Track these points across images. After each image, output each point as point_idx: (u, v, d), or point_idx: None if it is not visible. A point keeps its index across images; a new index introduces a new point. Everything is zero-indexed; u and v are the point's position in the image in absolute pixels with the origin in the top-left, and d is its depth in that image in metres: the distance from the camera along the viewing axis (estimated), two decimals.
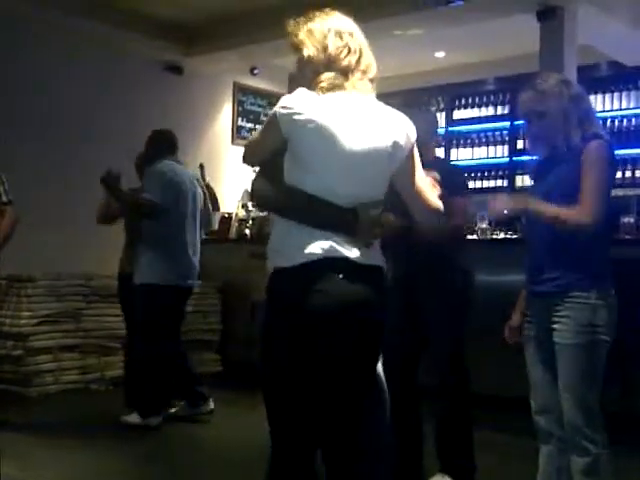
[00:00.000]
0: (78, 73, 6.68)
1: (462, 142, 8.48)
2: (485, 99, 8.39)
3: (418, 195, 2.27)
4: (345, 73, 2.20)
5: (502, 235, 6.57)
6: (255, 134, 2.39)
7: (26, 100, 6.36)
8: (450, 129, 8.55)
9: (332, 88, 2.18)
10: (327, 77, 2.19)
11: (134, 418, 4.94)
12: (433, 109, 8.33)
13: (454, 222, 3.53)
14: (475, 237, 6.50)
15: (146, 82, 7.29)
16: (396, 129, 2.21)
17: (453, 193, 3.26)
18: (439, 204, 2.31)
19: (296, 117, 2.13)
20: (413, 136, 2.25)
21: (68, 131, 6.58)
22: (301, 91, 2.18)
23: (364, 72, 2.23)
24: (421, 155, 2.32)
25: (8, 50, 6.28)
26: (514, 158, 8.08)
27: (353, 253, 2.13)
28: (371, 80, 2.25)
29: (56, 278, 6.15)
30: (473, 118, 8.44)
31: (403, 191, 2.30)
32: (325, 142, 2.12)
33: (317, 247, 2.11)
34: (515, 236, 6.27)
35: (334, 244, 2.12)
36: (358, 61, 2.22)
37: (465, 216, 3.84)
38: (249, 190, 2.69)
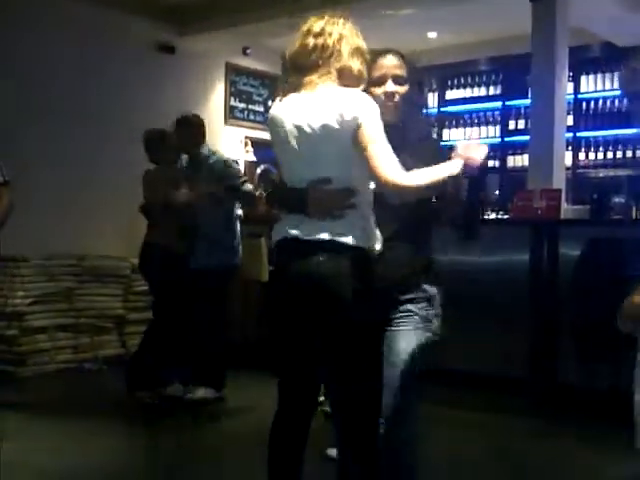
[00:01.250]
0: (70, 53, 6.63)
1: (454, 122, 8.49)
2: (477, 79, 8.39)
3: (372, 168, 2.29)
4: (306, 70, 2.39)
5: (493, 215, 6.63)
6: None
7: (18, 81, 6.32)
8: (442, 109, 8.56)
9: (289, 91, 2.41)
10: (289, 80, 2.43)
11: (207, 392, 5.05)
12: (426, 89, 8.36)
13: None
14: None
15: (138, 61, 7.25)
16: (329, 112, 2.30)
17: None
18: (392, 175, 2.26)
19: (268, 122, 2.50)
20: (355, 114, 2.29)
21: (61, 112, 6.55)
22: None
23: (328, 69, 2.38)
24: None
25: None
26: (506, 138, 8.11)
27: (304, 232, 2.34)
28: (340, 70, 2.39)
29: (48, 258, 6.16)
30: (465, 98, 8.44)
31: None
32: (278, 138, 2.42)
33: (281, 231, 2.41)
34: (506, 217, 6.31)
35: (292, 226, 2.37)
36: (320, 56, 2.38)
37: None
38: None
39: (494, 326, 5.22)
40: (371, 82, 2.54)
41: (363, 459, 2.34)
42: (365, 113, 2.29)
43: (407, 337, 2.47)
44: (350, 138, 2.28)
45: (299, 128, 2.35)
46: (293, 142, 2.36)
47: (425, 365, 2.49)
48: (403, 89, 2.57)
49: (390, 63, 2.58)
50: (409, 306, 2.51)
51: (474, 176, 2.41)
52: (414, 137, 2.61)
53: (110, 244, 6.65)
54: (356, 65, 2.41)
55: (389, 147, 2.29)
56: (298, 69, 2.41)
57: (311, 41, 2.40)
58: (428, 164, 2.50)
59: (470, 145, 2.36)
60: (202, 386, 5.10)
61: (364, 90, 2.48)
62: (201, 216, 5.06)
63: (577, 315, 5.04)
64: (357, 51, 2.42)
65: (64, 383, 5.74)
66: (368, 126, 2.28)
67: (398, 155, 2.54)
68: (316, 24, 2.43)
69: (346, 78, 2.40)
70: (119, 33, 6.99)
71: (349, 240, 2.29)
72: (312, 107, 2.35)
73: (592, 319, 4.90)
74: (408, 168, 2.50)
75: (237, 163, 5.36)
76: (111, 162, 6.77)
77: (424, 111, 2.84)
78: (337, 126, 2.29)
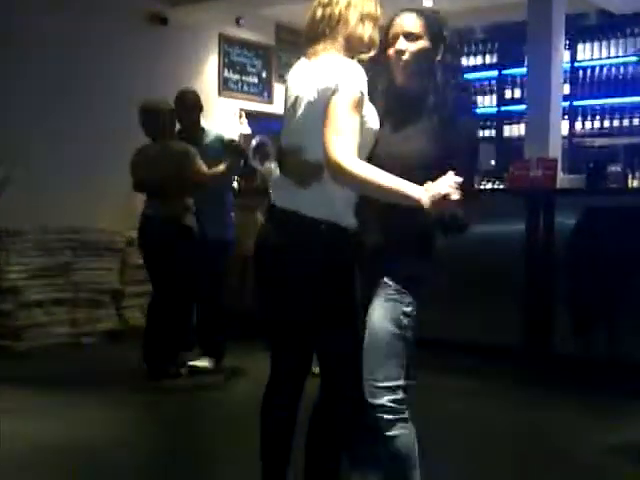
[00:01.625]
0: (61, 23, 6.56)
1: None
2: (473, 48, 8.32)
3: (323, 144, 2.22)
4: (316, 40, 2.39)
5: (490, 185, 6.61)
6: None
7: (12, 53, 6.25)
8: None
9: (301, 56, 2.44)
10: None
11: (205, 362, 5.16)
12: None
13: None
14: None
15: (131, 33, 7.17)
16: (313, 82, 2.31)
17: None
18: (337, 154, 2.17)
19: None
20: (330, 86, 2.25)
21: (55, 84, 6.49)
22: None
23: (335, 38, 2.37)
24: None
25: None
26: (502, 108, 8.06)
27: (278, 199, 2.42)
28: (347, 38, 2.37)
29: (44, 232, 6.14)
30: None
31: None
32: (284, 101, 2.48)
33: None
34: (502, 186, 6.30)
35: (273, 194, 2.47)
36: (328, 25, 2.37)
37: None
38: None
39: (490, 295, 5.23)
40: (387, 44, 2.43)
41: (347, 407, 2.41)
42: (339, 86, 2.23)
43: (378, 309, 2.37)
44: (323, 110, 2.25)
45: (291, 94, 2.39)
46: (287, 106, 2.42)
47: (412, 336, 2.42)
48: (416, 46, 2.39)
49: (403, 21, 2.44)
50: (385, 278, 2.39)
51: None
52: (436, 105, 2.39)
53: (106, 217, 6.62)
54: (366, 32, 2.38)
55: (351, 126, 2.20)
56: (309, 40, 2.41)
57: (319, 11, 2.39)
58: (441, 144, 2.33)
59: (446, 189, 2.07)
60: (204, 355, 5.18)
61: (379, 54, 2.42)
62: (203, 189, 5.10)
63: (573, 283, 5.04)
64: (368, 17, 2.38)
65: (61, 357, 5.74)
66: (336, 100, 2.22)
67: (401, 124, 2.42)
68: None
69: (356, 45, 2.38)
70: (111, 3, 6.90)
71: (309, 212, 2.31)
72: (305, 75, 2.36)
73: (587, 287, 4.91)
74: (411, 141, 2.37)
75: (234, 141, 5.36)
76: (105, 135, 6.71)
77: (459, 76, 2.53)
78: (316, 96, 2.29)
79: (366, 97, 2.28)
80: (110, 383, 4.93)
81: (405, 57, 2.39)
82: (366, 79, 2.28)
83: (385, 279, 2.40)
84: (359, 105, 2.24)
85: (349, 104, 2.22)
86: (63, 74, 6.56)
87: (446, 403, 4.41)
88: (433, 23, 2.44)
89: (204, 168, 4.94)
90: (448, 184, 2.08)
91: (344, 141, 2.18)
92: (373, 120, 2.34)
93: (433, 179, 2.13)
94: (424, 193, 2.10)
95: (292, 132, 2.40)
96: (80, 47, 6.69)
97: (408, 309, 2.38)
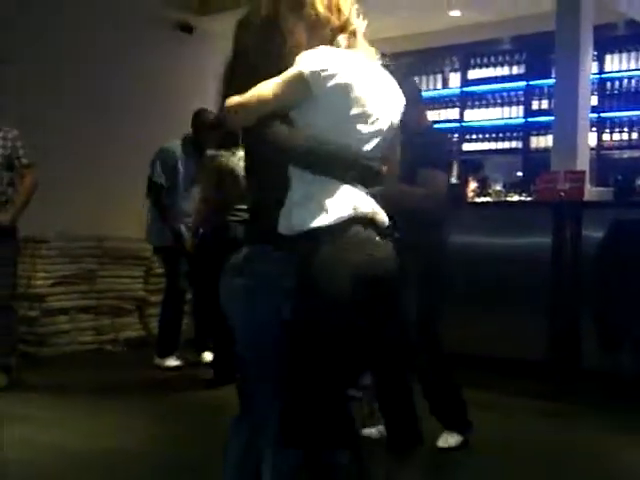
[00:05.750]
0: (86, 33, 6.60)
1: (477, 102, 8.39)
2: (500, 59, 8.27)
3: None
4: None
5: (516, 197, 6.56)
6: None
7: (33, 64, 6.29)
8: (464, 89, 8.46)
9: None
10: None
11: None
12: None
13: (425, 191, 3.52)
14: (489, 199, 6.48)
15: (156, 42, 7.20)
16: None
17: (434, 165, 3.51)
18: None
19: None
20: None
21: (82, 94, 6.53)
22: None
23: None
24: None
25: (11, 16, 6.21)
26: (529, 119, 8.00)
27: None
28: None
29: (70, 239, 6.17)
30: (488, 78, 8.33)
31: None
32: None
33: None
34: (529, 198, 6.25)
35: None
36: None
37: (438, 188, 3.68)
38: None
39: (516, 308, 5.17)
40: None
41: None
42: None
43: None
44: None
45: None
46: None
47: None
48: None
49: None
50: None
51: None
52: None
53: (131, 226, 6.64)
54: None
55: None
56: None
57: None
58: None
59: None
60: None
61: None
62: None
63: (600, 298, 4.98)
64: None
65: (85, 364, 5.76)
66: None
67: None
68: None
69: None
70: (136, 12, 6.93)
71: None
72: None
73: (615, 302, 4.84)
74: None
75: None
76: (131, 144, 6.74)
77: None
78: None
79: None
80: (133, 391, 4.94)
81: None
82: None
83: None
84: None
85: None
86: (88, 82, 6.59)
87: (471, 418, 4.35)
88: None
89: None
90: None
91: None
92: None
93: None
94: None
95: None
96: (106, 55, 6.72)
97: None
